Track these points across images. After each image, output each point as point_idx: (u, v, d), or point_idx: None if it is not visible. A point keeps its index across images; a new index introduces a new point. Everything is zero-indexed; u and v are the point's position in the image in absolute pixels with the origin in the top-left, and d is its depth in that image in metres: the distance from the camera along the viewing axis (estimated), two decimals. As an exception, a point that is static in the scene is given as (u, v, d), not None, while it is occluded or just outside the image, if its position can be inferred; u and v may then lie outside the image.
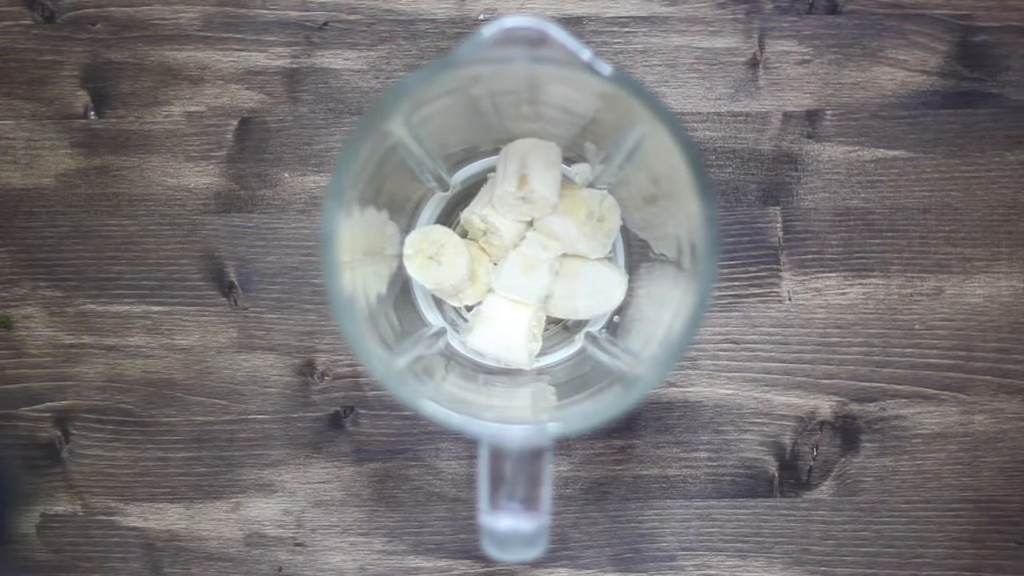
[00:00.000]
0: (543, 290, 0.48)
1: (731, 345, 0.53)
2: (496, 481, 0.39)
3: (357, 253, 0.42)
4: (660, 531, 0.53)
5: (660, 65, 0.53)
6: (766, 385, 0.53)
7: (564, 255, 0.49)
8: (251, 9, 0.53)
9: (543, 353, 0.51)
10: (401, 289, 0.50)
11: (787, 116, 0.53)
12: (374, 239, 0.46)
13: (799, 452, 0.53)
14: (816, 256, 0.53)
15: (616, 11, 0.54)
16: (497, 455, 0.39)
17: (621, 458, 0.53)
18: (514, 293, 0.48)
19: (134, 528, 0.53)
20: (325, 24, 0.53)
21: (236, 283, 0.53)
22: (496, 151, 0.49)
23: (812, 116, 0.53)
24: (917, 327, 0.53)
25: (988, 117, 0.53)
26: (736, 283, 0.53)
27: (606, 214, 0.49)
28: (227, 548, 0.53)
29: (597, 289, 0.49)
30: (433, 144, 0.46)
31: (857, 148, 0.53)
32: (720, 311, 0.53)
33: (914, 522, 0.53)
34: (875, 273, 0.53)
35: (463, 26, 0.53)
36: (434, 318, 0.51)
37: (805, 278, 0.53)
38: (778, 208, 0.53)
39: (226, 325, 0.53)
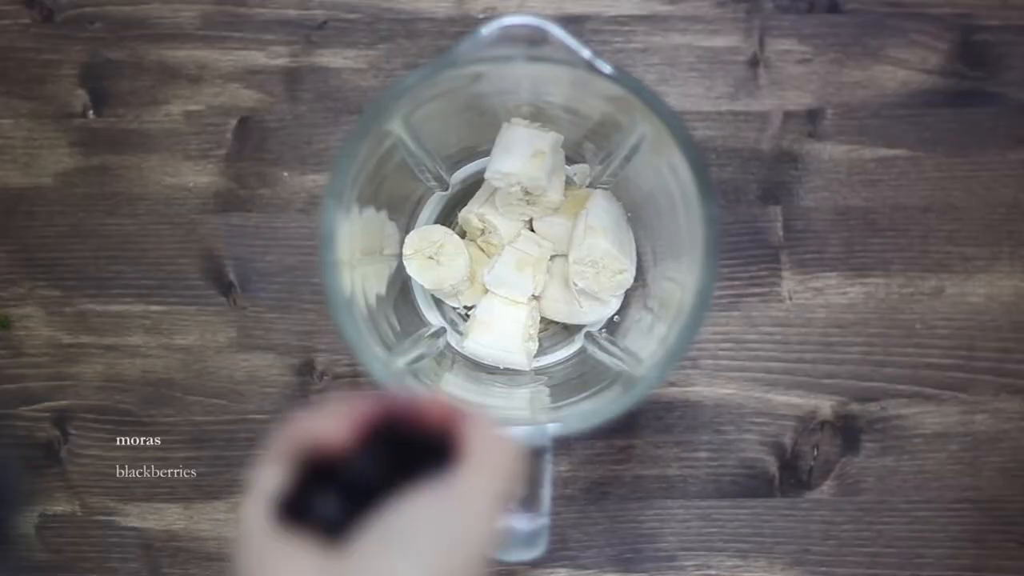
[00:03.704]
0: (533, 287, 0.48)
1: (731, 345, 0.53)
2: (496, 481, 0.38)
3: (356, 253, 0.42)
4: (660, 531, 0.53)
5: (660, 64, 0.53)
6: (767, 385, 0.53)
7: (564, 257, 0.49)
8: (250, 8, 0.53)
9: (543, 353, 0.51)
10: (401, 289, 0.50)
11: (788, 115, 0.53)
12: (373, 239, 0.46)
13: (800, 452, 0.53)
14: (816, 255, 0.53)
15: (616, 10, 0.53)
16: (497, 455, 0.38)
17: (621, 458, 0.53)
18: (504, 287, 0.48)
19: (133, 528, 0.53)
20: (324, 23, 0.53)
21: (235, 282, 0.53)
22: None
23: (813, 115, 0.53)
24: (918, 327, 0.53)
25: (989, 116, 0.53)
26: (736, 283, 0.53)
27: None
28: (226, 548, 0.53)
29: (593, 297, 0.49)
30: (432, 143, 0.46)
31: (858, 147, 0.53)
32: (720, 311, 0.53)
33: (915, 522, 0.53)
34: (876, 272, 0.53)
35: (463, 25, 0.53)
36: (434, 318, 0.51)
37: (805, 277, 0.53)
38: (779, 207, 0.53)
39: (225, 325, 0.53)
